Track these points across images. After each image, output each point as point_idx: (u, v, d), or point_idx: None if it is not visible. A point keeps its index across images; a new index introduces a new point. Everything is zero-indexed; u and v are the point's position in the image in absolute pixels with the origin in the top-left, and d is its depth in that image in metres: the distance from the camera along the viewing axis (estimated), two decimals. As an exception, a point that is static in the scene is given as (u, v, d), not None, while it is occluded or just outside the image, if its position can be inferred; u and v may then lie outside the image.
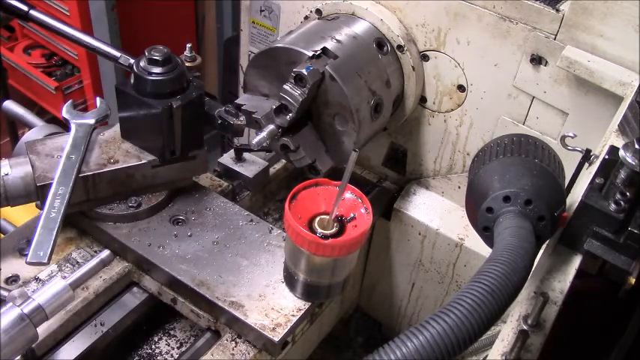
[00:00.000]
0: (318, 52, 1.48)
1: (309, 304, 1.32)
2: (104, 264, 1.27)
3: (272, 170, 1.83)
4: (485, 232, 1.05)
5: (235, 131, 1.44)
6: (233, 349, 1.31)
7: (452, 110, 1.72)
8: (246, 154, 1.76)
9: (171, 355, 1.43)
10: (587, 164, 1.19)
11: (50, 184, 1.30)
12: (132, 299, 1.43)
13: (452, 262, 1.88)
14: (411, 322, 2.15)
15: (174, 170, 1.47)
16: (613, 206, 0.99)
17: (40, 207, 1.33)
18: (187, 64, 1.50)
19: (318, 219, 1.21)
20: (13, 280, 1.35)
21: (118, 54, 1.55)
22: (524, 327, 0.96)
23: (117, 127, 1.47)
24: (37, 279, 1.36)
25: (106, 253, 1.29)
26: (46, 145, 1.41)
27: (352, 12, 1.66)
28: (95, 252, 1.44)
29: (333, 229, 1.19)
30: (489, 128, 1.68)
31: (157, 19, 3.45)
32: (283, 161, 1.85)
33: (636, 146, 0.97)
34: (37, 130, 1.56)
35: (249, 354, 1.31)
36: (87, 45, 1.62)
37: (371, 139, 1.65)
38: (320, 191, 1.24)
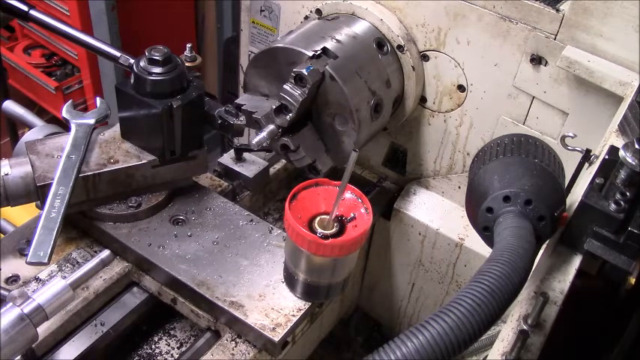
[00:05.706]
0: (318, 52, 1.48)
1: (309, 304, 1.32)
2: (104, 264, 1.28)
3: (272, 170, 1.83)
4: (486, 232, 1.05)
5: (235, 131, 1.44)
6: (233, 349, 1.31)
7: (452, 110, 1.71)
8: (246, 154, 1.76)
9: (172, 355, 1.43)
10: (587, 164, 1.19)
11: (50, 184, 1.30)
12: (132, 299, 1.43)
13: (452, 262, 1.88)
14: (411, 322, 2.15)
15: (174, 170, 1.47)
16: (613, 206, 0.99)
17: (40, 207, 1.33)
18: (187, 64, 1.50)
19: (318, 219, 1.21)
20: (13, 280, 1.35)
21: (118, 54, 1.55)
22: (524, 327, 0.96)
23: (117, 127, 1.47)
24: (37, 279, 1.36)
25: (106, 253, 1.29)
26: (46, 145, 1.41)
27: (352, 12, 1.66)
28: (95, 252, 1.44)
29: (333, 229, 1.19)
30: (489, 128, 1.68)
31: (157, 19, 3.45)
32: (283, 161, 1.85)
33: (636, 146, 0.97)
34: (37, 130, 1.55)
35: (249, 354, 1.31)
36: (87, 45, 1.62)
37: (371, 139, 1.65)
38: (320, 191, 1.24)
